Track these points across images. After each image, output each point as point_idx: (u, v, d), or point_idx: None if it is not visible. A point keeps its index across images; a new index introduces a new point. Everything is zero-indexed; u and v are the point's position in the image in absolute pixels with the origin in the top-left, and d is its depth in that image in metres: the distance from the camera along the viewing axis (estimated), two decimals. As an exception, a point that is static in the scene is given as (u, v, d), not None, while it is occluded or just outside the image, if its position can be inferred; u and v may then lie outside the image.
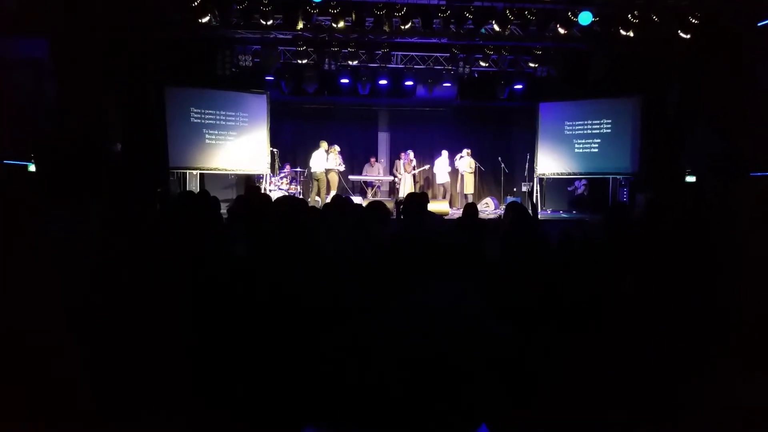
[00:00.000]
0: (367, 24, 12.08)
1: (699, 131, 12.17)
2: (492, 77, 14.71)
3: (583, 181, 15.37)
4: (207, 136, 13.50)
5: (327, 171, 14.55)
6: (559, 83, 14.11)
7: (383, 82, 14.42)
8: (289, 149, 16.25)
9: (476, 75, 14.32)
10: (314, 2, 11.38)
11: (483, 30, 12.43)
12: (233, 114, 13.84)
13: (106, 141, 11.02)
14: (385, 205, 5.29)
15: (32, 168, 9.74)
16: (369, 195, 15.13)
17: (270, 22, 11.75)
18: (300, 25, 12.03)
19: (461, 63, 13.52)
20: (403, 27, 11.93)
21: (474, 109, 17.06)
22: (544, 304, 2.77)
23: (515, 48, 13.49)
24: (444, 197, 15.32)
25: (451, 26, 12.06)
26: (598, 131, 14.41)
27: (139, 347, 2.24)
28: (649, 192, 12.19)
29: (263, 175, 14.28)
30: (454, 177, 15.58)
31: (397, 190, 15.52)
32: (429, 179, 16.97)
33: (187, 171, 13.50)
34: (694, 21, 11.53)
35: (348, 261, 3.24)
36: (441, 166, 15.47)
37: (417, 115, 17.52)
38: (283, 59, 13.65)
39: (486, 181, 16.75)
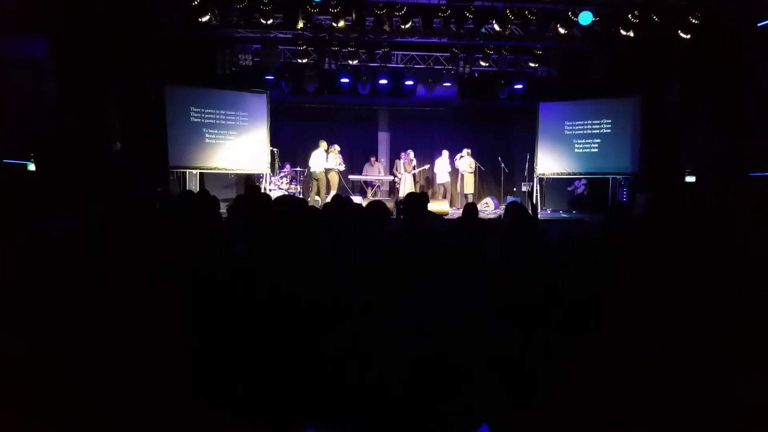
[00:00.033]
0: (367, 23, 12.08)
1: (699, 131, 12.17)
2: (492, 77, 14.70)
3: (583, 181, 15.36)
4: (207, 135, 13.50)
5: (327, 171, 14.55)
6: (559, 83, 14.11)
7: (383, 81, 14.41)
8: (289, 149, 16.25)
9: (476, 75, 14.31)
10: (314, 1, 11.38)
11: (483, 30, 12.43)
12: (233, 113, 13.83)
13: (105, 140, 11.02)
14: (385, 204, 5.29)
15: (32, 167, 9.74)
16: (369, 195, 15.13)
17: (270, 22, 11.75)
18: (300, 25, 12.03)
19: (461, 63, 13.52)
20: (403, 26, 11.93)
21: (474, 109, 17.06)
22: (544, 304, 2.77)
23: (515, 48, 13.49)
24: (444, 197, 15.33)
25: (452, 26, 12.06)
26: (598, 131, 14.41)
27: (139, 347, 2.24)
28: (649, 192, 12.19)
29: (263, 174, 14.28)
30: (454, 177, 15.59)
31: (397, 189, 15.52)
32: (429, 179, 16.98)
33: (187, 170, 13.49)
34: (694, 21, 11.53)
35: (348, 261, 3.24)
36: (441, 165, 15.47)
37: (417, 115, 17.52)
38: (283, 58, 13.64)
39: (486, 180, 16.75)
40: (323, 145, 14.58)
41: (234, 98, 13.87)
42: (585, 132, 14.58)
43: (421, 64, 14.16)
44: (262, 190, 12.83)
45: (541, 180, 15.25)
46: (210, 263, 2.98)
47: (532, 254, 3.90)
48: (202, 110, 13.41)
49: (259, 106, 14.12)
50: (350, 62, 13.45)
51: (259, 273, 2.73)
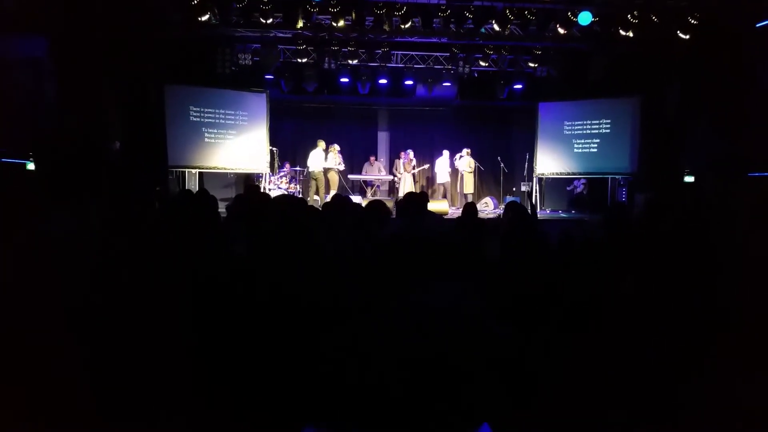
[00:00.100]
0: (367, 23, 12.08)
1: (698, 131, 12.17)
2: (492, 77, 14.71)
3: (582, 181, 15.37)
4: (206, 134, 13.49)
5: (327, 170, 14.54)
6: (559, 83, 14.11)
7: (383, 81, 14.41)
8: (289, 148, 16.25)
9: (476, 74, 14.32)
10: (314, 1, 11.38)
11: (483, 30, 12.43)
12: (233, 113, 13.82)
13: (105, 140, 11.01)
14: (385, 204, 5.28)
15: (31, 167, 9.73)
16: (368, 194, 15.13)
17: (270, 21, 11.74)
18: (300, 24, 12.03)
19: (461, 62, 13.52)
20: (403, 26, 11.93)
21: (474, 109, 17.06)
22: (544, 304, 2.77)
23: (515, 48, 13.49)
24: (444, 197, 15.34)
25: (451, 26, 12.06)
26: (597, 131, 14.41)
27: (139, 347, 2.24)
28: (648, 192, 12.19)
29: (262, 174, 14.27)
30: (453, 177, 15.60)
31: (397, 189, 15.53)
32: (429, 179, 16.99)
33: (187, 170, 13.49)
34: (693, 21, 11.53)
35: (348, 261, 3.24)
36: (442, 165, 15.48)
37: (417, 115, 17.53)
38: (283, 58, 13.64)
39: (485, 180, 16.76)
40: (321, 144, 14.57)
41: (233, 97, 13.86)
42: (584, 132, 14.58)
43: (420, 64, 14.16)
44: (262, 190, 12.83)
45: (540, 180, 15.26)
46: (209, 263, 2.98)
47: (531, 254, 3.90)
48: (202, 109, 13.40)
49: (258, 105, 14.11)
50: (350, 62, 13.45)
51: (259, 272, 2.72)
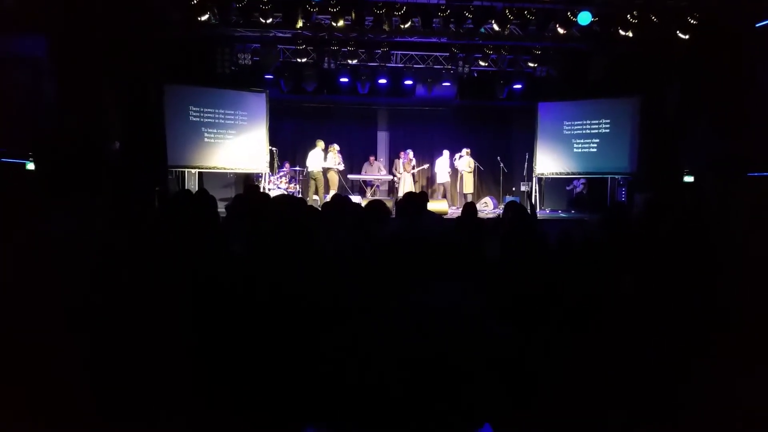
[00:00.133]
0: (366, 23, 12.07)
1: (698, 131, 12.17)
2: (491, 77, 14.71)
3: (582, 181, 15.37)
4: (206, 134, 13.49)
5: (326, 170, 14.54)
6: (558, 83, 14.12)
7: (383, 81, 14.41)
8: (289, 148, 16.23)
9: (476, 74, 14.32)
10: (314, 1, 11.37)
11: (482, 29, 12.43)
12: (232, 112, 13.81)
13: (105, 140, 11.01)
14: (384, 204, 5.28)
15: (30, 166, 9.72)
16: (368, 194, 15.13)
17: (269, 21, 11.73)
18: (299, 24, 12.02)
19: (461, 62, 13.52)
20: (402, 26, 11.92)
21: (473, 109, 17.07)
22: (544, 304, 2.77)
23: (515, 48, 13.49)
24: (444, 196, 15.34)
25: (451, 26, 12.05)
26: (596, 131, 14.41)
27: (139, 347, 2.24)
28: (648, 192, 12.20)
29: (262, 173, 14.27)
30: (453, 176, 15.61)
31: (397, 189, 15.53)
32: (429, 178, 16.99)
33: (186, 170, 13.49)
34: (692, 21, 11.53)
35: (347, 260, 3.24)
36: (442, 165, 15.49)
37: (416, 115, 17.53)
38: (283, 58, 13.63)
39: (485, 180, 16.77)
40: (320, 144, 14.56)
41: (233, 97, 13.85)
42: (584, 132, 14.58)
43: (420, 64, 14.16)
44: (261, 190, 12.83)
45: (540, 180, 15.26)
46: (209, 263, 2.98)
47: (531, 254, 3.90)
48: (201, 109, 13.40)
49: (258, 105, 14.10)
50: (349, 62, 13.44)
51: (259, 272, 2.72)
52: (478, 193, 16.20)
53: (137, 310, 2.36)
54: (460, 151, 15.41)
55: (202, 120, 13.40)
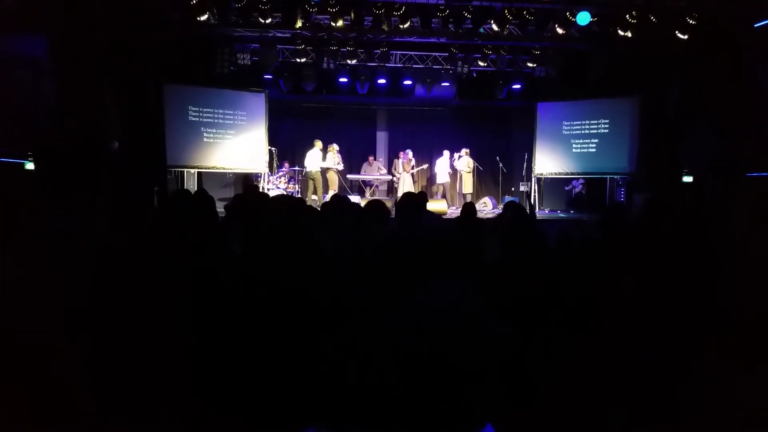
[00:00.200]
0: (366, 23, 12.07)
1: (698, 131, 12.18)
2: (490, 77, 14.72)
3: (581, 181, 15.38)
4: (205, 134, 13.48)
5: (325, 170, 14.53)
6: (557, 83, 14.12)
7: (382, 81, 14.40)
8: (288, 148, 16.22)
9: (475, 74, 14.32)
10: (313, 1, 11.37)
11: (482, 30, 12.43)
12: (231, 112, 13.81)
13: (105, 139, 11.00)
14: (384, 204, 5.27)
15: (29, 166, 9.72)
16: (367, 194, 15.13)
17: (269, 21, 11.73)
18: (299, 24, 12.02)
19: (460, 62, 13.52)
20: (401, 26, 11.91)
21: (472, 109, 17.07)
22: (544, 304, 2.77)
23: (514, 48, 13.49)
24: (444, 197, 15.35)
25: (450, 26, 12.05)
26: (595, 131, 14.42)
27: (139, 347, 2.23)
28: (647, 192, 12.21)
29: (261, 173, 14.27)
30: (453, 176, 15.61)
31: (396, 189, 15.53)
32: (429, 178, 16.99)
33: (185, 169, 13.49)
34: (691, 22, 11.53)
35: (347, 260, 3.24)
36: (442, 165, 15.50)
37: (415, 115, 17.53)
38: (282, 58, 13.63)
39: (484, 180, 16.78)
40: (318, 144, 14.54)
41: (232, 97, 13.85)
42: (583, 132, 14.59)
43: (419, 64, 14.16)
44: (260, 190, 12.83)
45: (539, 180, 15.27)
46: (208, 262, 2.98)
47: (530, 254, 3.90)
48: (201, 109, 13.40)
49: (257, 105, 14.10)
50: (349, 62, 13.44)
51: (258, 272, 2.72)
52: (478, 193, 16.21)
53: (137, 310, 2.36)
54: (459, 151, 15.42)
55: (201, 120, 13.40)
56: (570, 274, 3.22)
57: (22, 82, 9.77)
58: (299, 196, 13.26)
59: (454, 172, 15.56)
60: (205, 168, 13.69)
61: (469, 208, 6.18)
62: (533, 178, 15.12)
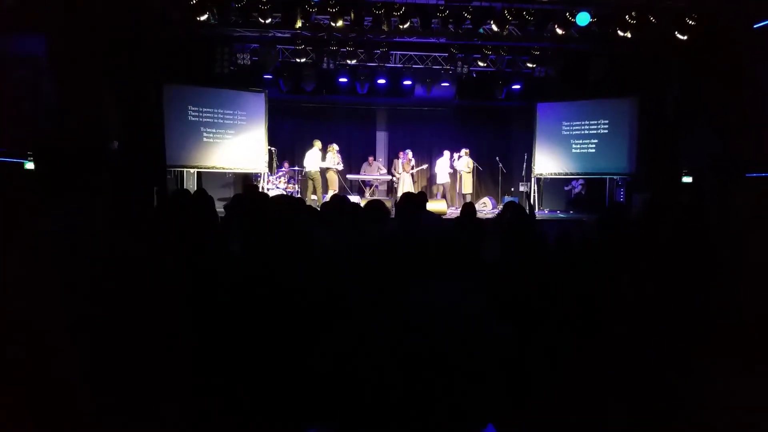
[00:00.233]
0: (365, 23, 12.07)
1: (698, 131, 12.18)
2: (490, 77, 14.74)
3: (580, 181, 15.40)
4: (205, 134, 13.48)
5: (325, 170, 14.54)
6: (557, 83, 14.13)
7: (382, 81, 14.42)
8: (288, 148, 16.22)
9: (474, 75, 14.34)
10: (313, 1, 11.38)
11: (481, 30, 12.44)
12: (231, 112, 13.81)
13: (104, 139, 10.99)
14: (383, 203, 5.27)
15: (29, 166, 9.72)
16: (367, 194, 15.14)
17: (268, 21, 11.73)
18: (299, 24, 12.02)
19: (460, 63, 13.53)
20: (401, 26, 11.92)
21: (472, 109, 17.09)
22: (544, 304, 2.77)
23: (513, 48, 13.51)
24: (443, 197, 15.36)
25: (450, 26, 12.06)
26: (595, 131, 14.43)
27: (139, 347, 2.23)
28: (646, 192, 12.21)
29: (261, 173, 14.26)
30: (452, 177, 15.62)
31: (396, 189, 15.54)
32: (429, 179, 17.00)
33: (185, 169, 13.48)
34: (691, 22, 11.54)
35: (346, 260, 3.24)
36: (442, 166, 15.51)
37: (415, 115, 17.54)
38: (282, 58, 13.64)
39: (484, 180, 16.80)
40: (317, 144, 14.55)
41: (232, 97, 13.85)
42: (582, 132, 14.60)
43: (419, 64, 14.17)
44: (260, 190, 12.83)
45: (538, 180, 15.27)
46: (208, 262, 2.98)
47: (530, 254, 3.90)
48: (200, 109, 13.40)
49: (257, 105, 14.11)
50: (348, 62, 13.45)
51: (257, 272, 2.72)
52: (477, 193, 16.23)
53: (137, 310, 2.36)
54: (459, 151, 15.43)
55: (200, 120, 13.40)
56: (570, 274, 3.22)
57: (21, 81, 9.76)
58: (299, 196, 13.27)
59: (454, 173, 15.56)
60: (205, 168, 13.69)
61: (468, 209, 6.18)
62: (533, 179, 15.13)
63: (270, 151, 14.47)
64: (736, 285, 2.76)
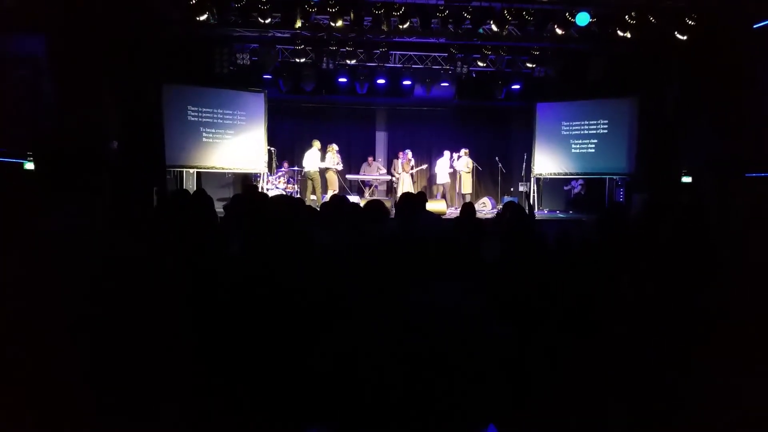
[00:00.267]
0: (365, 23, 12.07)
1: (698, 131, 12.18)
2: (490, 77, 14.73)
3: (580, 181, 15.40)
4: (204, 134, 13.48)
5: (325, 170, 14.54)
6: (557, 84, 14.13)
7: (381, 81, 14.41)
8: (287, 148, 16.22)
9: (474, 75, 14.33)
10: (313, 1, 11.37)
11: (481, 30, 12.43)
12: (231, 112, 13.81)
13: (104, 139, 10.99)
14: (383, 203, 5.27)
15: (28, 166, 9.72)
16: (366, 194, 15.14)
17: (268, 21, 11.72)
18: (298, 24, 12.01)
19: (459, 63, 13.53)
20: (401, 26, 11.91)
21: (472, 109, 17.09)
22: (544, 304, 2.77)
23: (513, 48, 13.50)
24: (443, 197, 15.36)
25: (450, 26, 12.05)
26: (594, 131, 14.43)
27: (138, 347, 2.23)
28: (646, 192, 12.21)
29: (260, 173, 14.26)
30: (452, 177, 15.62)
31: (395, 189, 15.54)
32: (429, 179, 17.00)
33: (184, 169, 13.48)
34: (691, 22, 11.54)
35: (346, 260, 3.23)
36: (442, 166, 15.51)
37: (415, 115, 17.54)
38: (281, 58, 13.63)
39: (483, 180, 16.79)
40: (317, 144, 14.55)
41: (231, 97, 13.84)
42: (582, 132, 14.61)
43: (418, 64, 14.16)
44: (259, 190, 12.82)
45: (538, 180, 15.28)
46: (207, 262, 2.98)
47: (530, 254, 3.90)
48: (200, 109, 13.39)
49: (256, 105, 14.10)
50: (348, 62, 13.45)
51: (257, 272, 2.72)
52: (477, 193, 16.22)
53: (136, 310, 2.36)
54: (458, 151, 15.43)
55: (200, 120, 13.40)
56: (569, 274, 3.22)
57: (21, 81, 9.75)
58: (298, 196, 13.27)
59: (454, 173, 15.57)
60: (205, 168, 13.69)
61: (468, 209, 6.19)
62: (532, 179, 15.13)
63: (269, 151, 14.46)
64: (736, 285, 2.76)
